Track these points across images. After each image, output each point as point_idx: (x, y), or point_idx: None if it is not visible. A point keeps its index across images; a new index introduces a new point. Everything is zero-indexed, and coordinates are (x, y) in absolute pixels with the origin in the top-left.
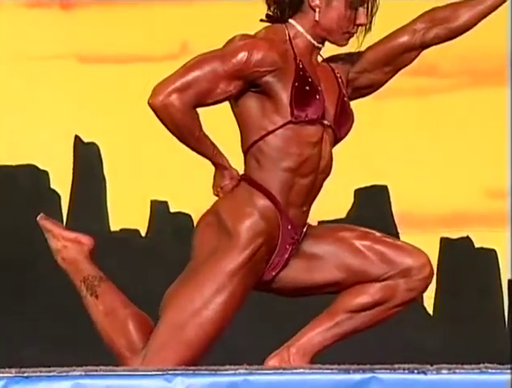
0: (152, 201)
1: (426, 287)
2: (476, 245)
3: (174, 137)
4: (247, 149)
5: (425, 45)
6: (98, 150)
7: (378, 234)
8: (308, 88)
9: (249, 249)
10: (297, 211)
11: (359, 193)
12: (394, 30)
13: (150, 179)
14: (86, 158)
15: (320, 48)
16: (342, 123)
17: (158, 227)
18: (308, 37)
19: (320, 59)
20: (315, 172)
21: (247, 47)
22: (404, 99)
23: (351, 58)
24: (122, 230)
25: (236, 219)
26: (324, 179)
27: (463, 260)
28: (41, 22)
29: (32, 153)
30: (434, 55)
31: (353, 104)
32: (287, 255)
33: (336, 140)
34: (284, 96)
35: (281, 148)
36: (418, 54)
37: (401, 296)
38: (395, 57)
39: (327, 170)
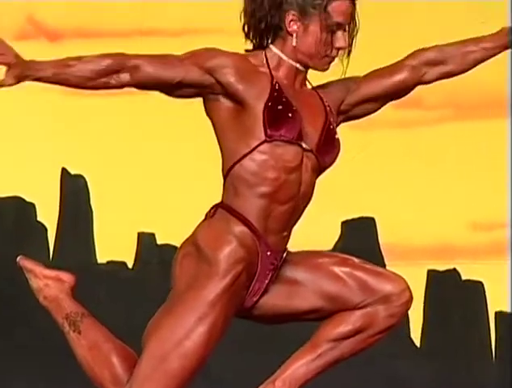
0: (139, 233)
1: (406, 312)
2: (463, 277)
3: (162, 170)
4: (225, 174)
5: (422, 83)
6: (86, 183)
7: (357, 260)
8: (281, 107)
9: (230, 276)
10: (277, 237)
11: (346, 225)
12: (391, 64)
13: (138, 211)
14: (73, 190)
15: (303, 73)
16: (326, 150)
17: (145, 259)
18: (290, 61)
19: (309, 86)
20: (294, 199)
21: (212, 47)
22: (390, 131)
23: (347, 87)
24: (109, 263)
25: (215, 247)
26: (305, 206)
27: (450, 292)
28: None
29: (19, 186)
30: (419, 88)
31: (338, 135)
32: (267, 281)
33: (320, 168)
34: (257, 116)
35: (257, 172)
36: (410, 91)
37: (382, 322)
38: (392, 93)
39: (308, 197)
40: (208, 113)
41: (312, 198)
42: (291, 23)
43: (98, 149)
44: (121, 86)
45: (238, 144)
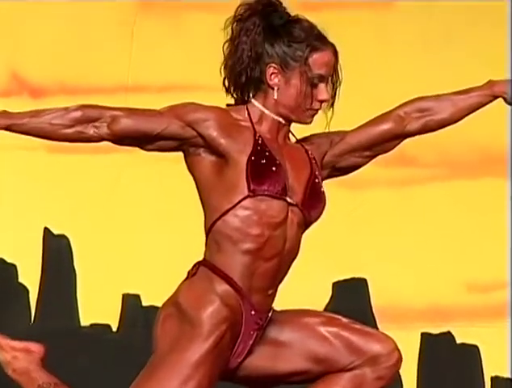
0: (124, 295)
1: (395, 374)
2: (458, 341)
3: (147, 229)
4: (208, 231)
5: (409, 135)
6: (69, 243)
7: (345, 319)
8: (264, 161)
9: (214, 337)
10: (261, 295)
11: (337, 286)
12: (377, 116)
13: (122, 271)
14: (56, 250)
15: (287, 126)
16: (312, 205)
17: (130, 322)
18: (272, 115)
19: (293, 140)
20: (280, 255)
21: (194, 102)
22: (383, 190)
23: (330, 140)
24: (92, 325)
25: (197, 307)
26: (291, 262)
27: (444, 356)
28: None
29: None
30: (411, 145)
31: (329, 196)
32: (251, 342)
33: (306, 222)
34: (240, 171)
35: (240, 228)
36: (400, 142)
37: (371, 385)
38: (378, 144)
39: (294, 253)
40: (190, 168)
41: (303, 258)
42: (272, 76)
43: (81, 208)
44: (98, 137)
45: (221, 199)
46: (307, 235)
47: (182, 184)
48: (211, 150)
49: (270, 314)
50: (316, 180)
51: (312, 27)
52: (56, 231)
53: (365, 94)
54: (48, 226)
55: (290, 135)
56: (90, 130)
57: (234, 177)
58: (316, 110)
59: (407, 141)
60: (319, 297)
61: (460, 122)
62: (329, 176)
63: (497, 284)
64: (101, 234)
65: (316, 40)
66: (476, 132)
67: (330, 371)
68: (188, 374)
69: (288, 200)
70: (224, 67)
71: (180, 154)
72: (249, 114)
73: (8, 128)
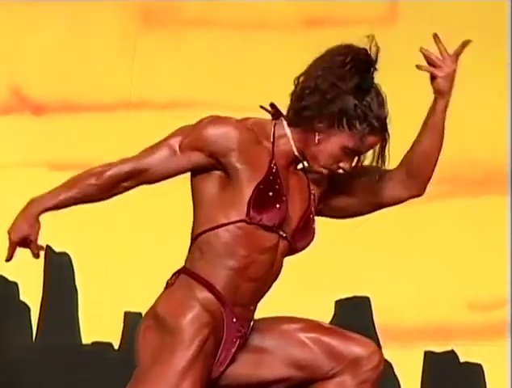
0: (126, 313)
1: (378, 377)
2: (461, 359)
3: (150, 247)
4: (195, 237)
5: (394, 202)
6: (70, 260)
7: (324, 324)
8: (271, 194)
9: (196, 343)
10: (243, 309)
11: (340, 304)
12: (379, 167)
13: (124, 289)
14: (58, 268)
15: (299, 161)
16: (301, 237)
17: (132, 340)
18: (294, 148)
19: (300, 170)
20: (264, 278)
21: (212, 122)
22: (386, 208)
23: (332, 177)
24: (94, 343)
25: (176, 315)
26: (272, 283)
27: (447, 375)
28: (12, 129)
29: (0, 264)
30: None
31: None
32: (234, 350)
33: (291, 251)
34: (246, 193)
35: (229, 245)
36: (395, 203)
37: None
38: (370, 195)
39: (276, 276)
40: (195, 180)
41: (306, 276)
42: (324, 122)
43: (83, 225)
44: (133, 187)
45: (217, 212)
46: (309, 253)
47: (185, 201)
48: (223, 170)
49: (252, 323)
50: (311, 216)
51: (382, 106)
52: (57, 249)
53: None
54: (50, 244)
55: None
56: (122, 188)
57: (238, 197)
58: (332, 171)
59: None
60: (321, 316)
61: (463, 139)
62: (320, 212)
63: (499, 302)
64: (103, 252)
65: (378, 121)
66: (478, 149)
67: (313, 377)
68: (176, 384)
69: (281, 233)
70: (297, 98)
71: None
72: (274, 133)
73: (52, 209)
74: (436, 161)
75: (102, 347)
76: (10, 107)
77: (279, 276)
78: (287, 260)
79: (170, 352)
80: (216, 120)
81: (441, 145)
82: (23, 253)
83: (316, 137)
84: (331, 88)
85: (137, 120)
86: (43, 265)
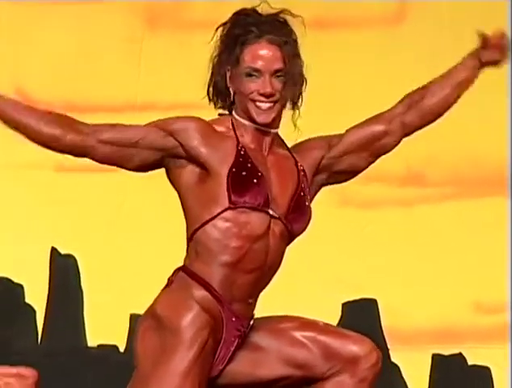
0: (131, 315)
1: (376, 375)
2: (470, 362)
3: (155, 249)
4: (189, 238)
5: (404, 131)
6: (76, 262)
7: (321, 323)
8: (245, 173)
9: (197, 343)
10: (242, 304)
11: (347, 306)
12: (374, 115)
13: (130, 291)
14: (63, 270)
15: (271, 133)
16: (295, 218)
17: None
18: (244, 121)
19: (282, 150)
20: (260, 268)
21: (178, 117)
22: (390, 209)
23: (328, 142)
24: (100, 346)
25: (176, 316)
26: (273, 274)
27: (456, 378)
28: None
29: (6, 266)
30: (420, 164)
31: (337, 215)
32: (233, 348)
33: (290, 235)
34: (222, 182)
35: (219, 240)
36: (399, 140)
37: None
38: (372, 143)
39: (276, 265)
40: (173, 181)
41: (312, 278)
42: (229, 80)
43: (89, 227)
44: (81, 142)
45: (201, 209)
46: (315, 255)
47: None
48: (192, 161)
49: (251, 322)
50: (302, 193)
51: (254, 17)
52: (63, 251)
53: (375, 112)
54: (55, 246)
55: (282, 142)
56: (72, 133)
57: (215, 188)
58: (261, 104)
59: (415, 159)
60: (328, 318)
61: (469, 139)
62: (328, 182)
63: (507, 304)
64: (108, 254)
65: (253, 27)
66: (486, 150)
67: (311, 376)
68: (177, 385)
69: (270, 212)
70: (208, 82)
71: None
72: (233, 124)
73: None
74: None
75: (108, 349)
76: None
77: (284, 278)
78: (292, 261)
79: (171, 353)
80: (181, 116)
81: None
82: (28, 255)
83: (232, 96)
84: (217, 54)
85: (143, 121)
86: (48, 267)
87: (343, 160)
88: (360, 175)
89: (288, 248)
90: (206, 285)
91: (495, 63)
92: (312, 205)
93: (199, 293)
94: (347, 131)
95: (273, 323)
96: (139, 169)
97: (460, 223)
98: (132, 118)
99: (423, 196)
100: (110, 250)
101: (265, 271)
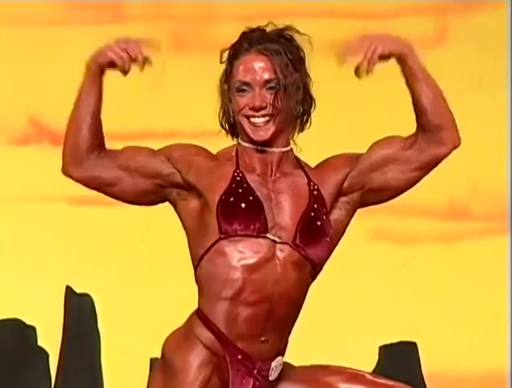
0: (152, 359)
1: None
2: None
3: (177, 288)
4: (195, 278)
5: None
6: (93, 302)
7: (368, 375)
8: (232, 199)
9: (198, 382)
10: (251, 341)
11: (384, 350)
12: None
13: (151, 334)
14: (79, 310)
15: (278, 153)
16: (308, 242)
17: None
18: (247, 145)
19: (294, 169)
20: (267, 300)
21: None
22: (432, 244)
23: (357, 157)
24: None
25: (178, 355)
26: (291, 307)
27: None
28: (30, 161)
29: (17, 307)
30: (463, 197)
31: (375, 251)
32: None
33: (310, 262)
34: (214, 212)
35: (214, 274)
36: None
37: None
38: (404, 163)
39: (291, 297)
40: (179, 217)
41: (346, 319)
42: (229, 102)
43: (106, 265)
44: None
45: (197, 245)
46: (349, 294)
47: None
48: (192, 192)
49: (273, 364)
50: (312, 214)
51: (241, 35)
52: (78, 290)
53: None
54: (70, 284)
55: (296, 161)
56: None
57: (208, 220)
58: (252, 117)
59: (458, 191)
60: (364, 363)
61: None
62: (364, 203)
63: None
64: (127, 293)
65: (240, 46)
66: None
67: None
68: None
69: (271, 237)
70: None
71: None
72: (237, 151)
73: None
74: (443, 105)
75: None
76: (27, 137)
77: (315, 318)
78: (325, 301)
79: None
80: (181, 143)
81: (435, 89)
82: (41, 294)
83: (231, 113)
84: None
85: None
86: (63, 307)
87: (377, 175)
88: (396, 207)
89: (320, 286)
90: (208, 323)
91: (397, 54)
92: (344, 238)
93: (201, 331)
94: (374, 143)
95: (314, 376)
96: (140, 200)
97: (508, 260)
98: (152, 146)
99: (467, 230)
100: (129, 289)
101: (274, 303)
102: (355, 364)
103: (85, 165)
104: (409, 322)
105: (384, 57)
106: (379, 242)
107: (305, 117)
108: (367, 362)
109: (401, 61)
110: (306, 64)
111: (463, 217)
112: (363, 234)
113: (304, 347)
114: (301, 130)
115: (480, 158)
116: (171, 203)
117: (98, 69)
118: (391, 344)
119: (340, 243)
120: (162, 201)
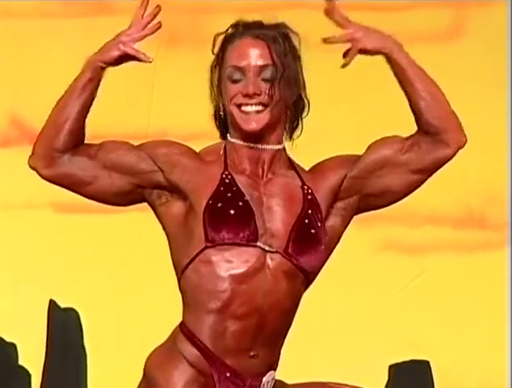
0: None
1: None
2: None
3: (170, 302)
4: (179, 287)
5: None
6: (78, 317)
7: None
8: (220, 204)
9: None
10: (241, 357)
11: (395, 369)
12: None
13: (141, 352)
14: (63, 326)
15: (270, 151)
16: (300, 250)
17: None
18: (237, 141)
19: (287, 170)
20: (257, 313)
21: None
22: (446, 255)
23: (348, 162)
24: None
25: (162, 373)
26: (283, 319)
27: None
28: (11, 164)
29: None
30: (480, 205)
31: (385, 263)
32: None
33: (302, 272)
34: (200, 218)
35: (200, 286)
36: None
37: None
38: (405, 166)
39: (282, 309)
40: (160, 221)
41: (354, 336)
42: (219, 94)
43: (93, 277)
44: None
45: (181, 253)
46: (356, 309)
47: None
48: (175, 194)
49: (265, 379)
50: (307, 221)
51: (232, 26)
52: (63, 304)
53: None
54: (54, 298)
55: (288, 161)
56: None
57: (194, 225)
58: (245, 108)
59: (475, 200)
60: (373, 382)
61: None
62: (361, 208)
63: None
64: (114, 308)
65: (235, 30)
66: None
67: None
68: None
69: (261, 245)
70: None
71: None
72: (225, 149)
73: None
74: (443, 106)
75: None
76: (8, 138)
77: (321, 335)
78: (331, 316)
79: None
80: (165, 139)
81: (431, 88)
82: (22, 308)
83: (221, 105)
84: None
85: None
86: (46, 323)
87: (377, 177)
88: (405, 215)
89: (326, 301)
90: (192, 338)
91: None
92: (349, 249)
93: (186, 347)
94: (372, 144)
95: None
96: (121, 202)
97: None
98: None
99: (485, 240)
100: (116, 303)
101: (264, 315)
102: (364, 384)
103: (57, 162)
104: (420, 339)
105: (367, 52)
106: (388, 254)
107: (299, 116)
108: (376, 382)
109: (387, 58)
110: (301, 62)
111: (480, 225)
112: (371, 245)
113: (310, 365)
114: (294, 129)
115: (498, 167)
116: (150, 205)
117: (105, 65)
118: (402, 363)
119: (346, 255)
120: (141, 202)
